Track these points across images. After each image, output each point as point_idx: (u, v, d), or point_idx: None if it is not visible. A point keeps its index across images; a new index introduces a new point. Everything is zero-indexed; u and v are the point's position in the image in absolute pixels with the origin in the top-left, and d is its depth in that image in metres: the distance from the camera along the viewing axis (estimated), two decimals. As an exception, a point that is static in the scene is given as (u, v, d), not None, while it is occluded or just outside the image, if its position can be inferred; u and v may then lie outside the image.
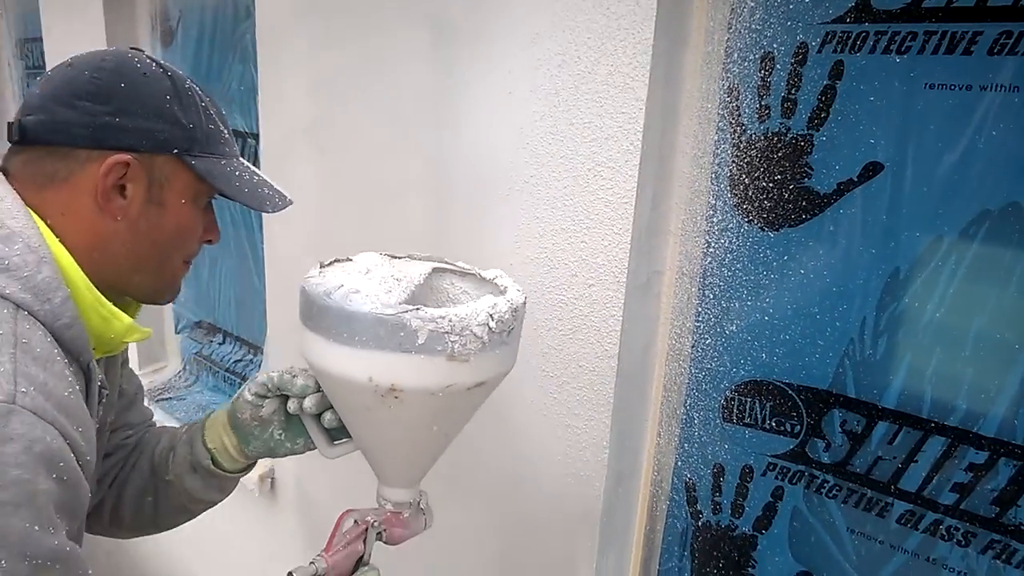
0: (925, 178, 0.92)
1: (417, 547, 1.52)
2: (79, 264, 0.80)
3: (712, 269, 1.12)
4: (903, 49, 0.90)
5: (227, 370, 2.41)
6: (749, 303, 1.10)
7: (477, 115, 1.24)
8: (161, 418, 1.86)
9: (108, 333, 0.84)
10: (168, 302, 0.95)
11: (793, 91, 1.00)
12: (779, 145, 1.02)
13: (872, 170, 0.96)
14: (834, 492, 1.08)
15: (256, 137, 1.79)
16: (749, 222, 1.07)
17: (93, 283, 0.81)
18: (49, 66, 1.58)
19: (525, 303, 0.92)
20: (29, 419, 0.67)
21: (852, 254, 0.99)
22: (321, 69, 1.52)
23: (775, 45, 1.00)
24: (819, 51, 0.96)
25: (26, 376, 0.69)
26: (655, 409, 1.24)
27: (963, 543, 0.97)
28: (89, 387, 0.83)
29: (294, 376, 0.98)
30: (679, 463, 1.23)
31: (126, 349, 1.07)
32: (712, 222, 1.10)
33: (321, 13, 1.48)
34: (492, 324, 0.83)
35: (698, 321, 1.16)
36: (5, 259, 0.73)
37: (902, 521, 1.02)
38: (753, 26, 1.01)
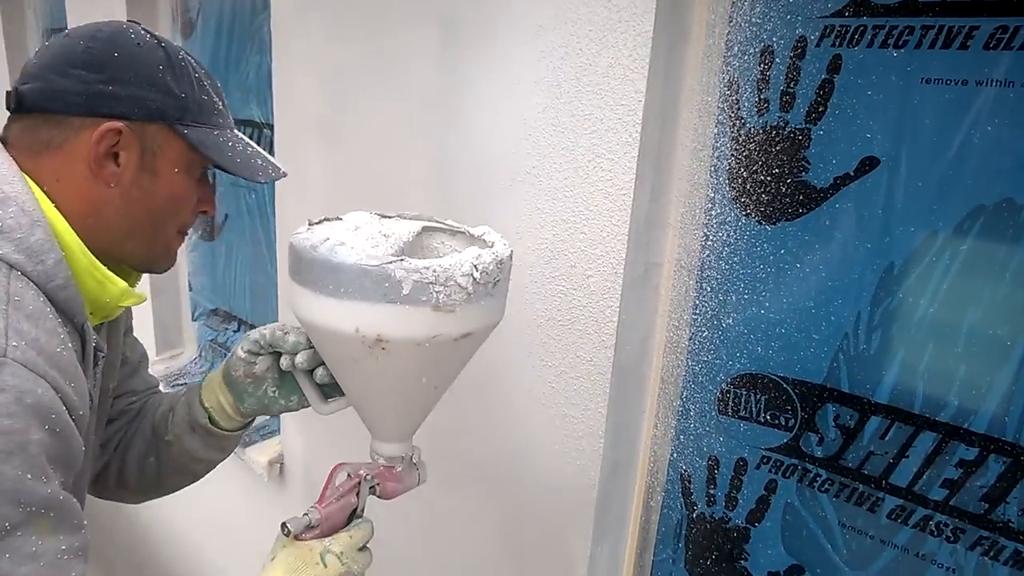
0: (920, 173, 0.92)
1: (413, 534, 1.53)
2: (74, 229, 0.82)
3: (710, 262, 1.13)
4: (900, 43, 0.90)
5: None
6: (746, 296, 1.10)
7: (483, 108, 1.25)
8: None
9: (103, 297, 0.86)
10: (163, 271, 0.96)
11: (792, 85, 1.00)
12: (777, 139, 1.02)
13: (868, 165, 0.96)
14: (826, 486, 1.08)
15: (271, 127, 1.81)
16: (747, 216, 1.07)
17: (88, 249, 0.83)
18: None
19: (511, 256, 0.92)
20: (20, 372, 0.69)
21: (847, 249, 0.99)
22: (332, 62, 1.54)
23: (775, 39, 1.00)
24: (818, 45, 0.97)
25: (17, 331, 0.71)
26: (652, 401, 1.24)
27: (952, 539, 0.97)
28: (84, 348, 0.85)
29: (286, 333, 0.99)
30: (675, 455, 1.24)
31: (129, 318, 1.10)
32: (710, 215, 1.11)
33: (333, 7, 1.50)
34: (476, 275, 0.83)
35: (695, 314, 1.16)
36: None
37: (892, 516, 1.02)
38: (753, 19, 1.01)
